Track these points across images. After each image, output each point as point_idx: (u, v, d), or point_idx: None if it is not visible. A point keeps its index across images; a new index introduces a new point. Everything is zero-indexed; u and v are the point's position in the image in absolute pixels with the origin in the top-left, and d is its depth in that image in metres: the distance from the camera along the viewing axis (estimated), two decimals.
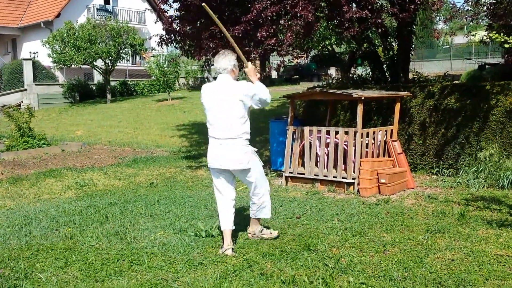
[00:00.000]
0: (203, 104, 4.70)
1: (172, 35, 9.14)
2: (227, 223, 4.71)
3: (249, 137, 4.64)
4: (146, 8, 26.35)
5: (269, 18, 7.48)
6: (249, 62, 4.79)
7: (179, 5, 8.91)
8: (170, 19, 9.21)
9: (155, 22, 11.46)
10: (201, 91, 4.77)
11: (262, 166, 4.88)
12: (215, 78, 4.94)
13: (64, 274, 4.15)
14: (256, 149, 4.80)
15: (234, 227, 4.76)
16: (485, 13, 8.41)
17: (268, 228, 5.17)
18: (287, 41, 7.56)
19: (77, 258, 4.48)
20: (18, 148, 12.24)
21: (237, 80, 4.74)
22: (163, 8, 9.93)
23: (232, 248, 4.58)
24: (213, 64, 4.92)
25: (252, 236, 4.94)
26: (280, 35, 7.93)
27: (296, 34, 7.62)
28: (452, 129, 7.84)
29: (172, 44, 9.53)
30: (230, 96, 4.52)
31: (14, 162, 10.93)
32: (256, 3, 7.44)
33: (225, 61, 4.64)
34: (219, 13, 8.42)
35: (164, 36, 9.22)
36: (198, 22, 8.81)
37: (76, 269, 4.25)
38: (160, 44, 9.26)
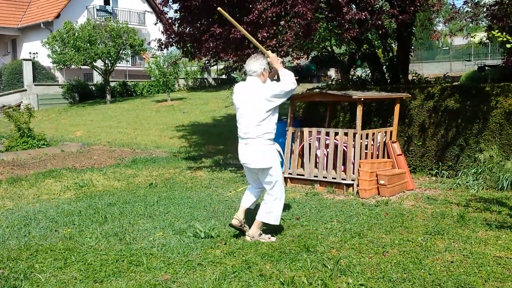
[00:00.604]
0: (234, 103, 5.00)
1: (171, 38, 9.14)
2: (243, 200, 5.17)
3: (272, 136, 4.82)
4: (145, 11, 26.38)
5: (270, 19, 7.48)
6: (269, 51, 5.04)
7: (179, 5, 8.91)
8: (170, 21, 9.21)
9: (155, 24, 11.47)
10: (233, 89, 5.08)
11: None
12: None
13: (63, 274, 4.15)
14: (280, 149, 4.98)
15: (250, 207, 5.15)
16: (485, 14, 8.41)
17: (265, 233, 5.11)
18: (287, 42, 7.56)
19: (76, 259, 4.47)
20: (18, 148, 12.24)
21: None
22: (163, 10, 9.93)
23: (239, 221, 4.95)
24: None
25: (251, 239, 4.93)
26: (280, 36, 7.93)
27: (296, 34, 7.61)
28: (451, 131, 7.84)
29: (171, 46, 9.54)
30: (253, 97, 4.73)
31: (14, 162, 10.92)
32: (257, 3, 7.44)
33: (256, 64, 4.83)
34: (219, 14, 8.42)
35: (163, 40, 9.23)
36: (199, 23, 8.81)
37: (75, 269, 4.24)
38: (160, 48, 9.28)
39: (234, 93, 4.98)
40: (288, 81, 4.73)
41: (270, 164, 4.81)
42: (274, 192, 4.91)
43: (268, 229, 5.27)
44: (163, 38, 9.35)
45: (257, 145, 4.78)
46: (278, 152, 4.93)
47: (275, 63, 4.93)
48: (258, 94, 4.71)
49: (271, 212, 4.92)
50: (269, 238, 4.97)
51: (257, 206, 5.22)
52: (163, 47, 9.23)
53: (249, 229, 5.00)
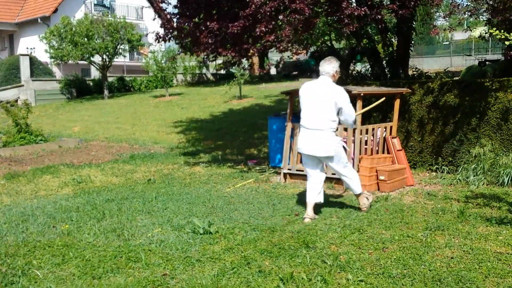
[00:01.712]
0: (301, 97, 5.64)
1: (170, 32, 9.08)
2: (308, 196, 5.64)
3: (336, 127, 5.57)
4: (143, 6, 26.28)
5: (268, 13, 7.43)
6: None
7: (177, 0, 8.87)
8: (169, 16, 9.14)
9: (154, 19, 11.37)
10: (301, 87, 5.74)
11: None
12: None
13: (61, 271, 4.12)
14: (344, 139, 5.73)
15: (321, 201, 5.69)
16: (485, 8, 8.36)
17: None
18: (286, 37, 7.51)
19: (74, 255, 4.44)
20: (15, 144, 12.20)
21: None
22: (162, 6, 9.88)
23: (311, 218, 5.42)
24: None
25: (366, 208, 5.73)
26: (279, 31, 7.88)
27: (295, 29, 7.57)
28: (451, 126, 7.81)
29: (169, 41, 9.49)
30: (327, 95, 5.41)
31: (11, 158, 10.88)
32: None
33: (329, 66, 5.55)
34: (217, 8, 8.36)
35: (160, 34, 9.17)
36: (197, 18, 8.76)
37: (73, 266, 4.22)
38: (157, 40, 9.21)
39: (302, 89, 5.67)
40: (352, 116, 5.55)
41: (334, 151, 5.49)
42: (347, 171, 5.70)
43: (266, 226, 5.25)
44: (161, 31, 9.29)
45: (326, 135, 5.43)
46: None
47: None
48: (330, 96, 5.41)
49: (356, 184, 5.72)
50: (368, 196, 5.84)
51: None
52: (160, 39, 9.16)
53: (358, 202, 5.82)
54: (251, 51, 8.10)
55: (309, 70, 28.01)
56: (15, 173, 8.96)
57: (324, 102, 5.41)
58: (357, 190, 5.73)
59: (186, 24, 8.83)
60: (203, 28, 8.09)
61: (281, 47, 7.79)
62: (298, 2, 7.13)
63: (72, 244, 4.79)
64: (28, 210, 6.22)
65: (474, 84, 7.81)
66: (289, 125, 7.87)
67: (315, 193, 5.62)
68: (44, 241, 4.89)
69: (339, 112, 5.46)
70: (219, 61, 8.81)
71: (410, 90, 8.21)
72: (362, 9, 7.66)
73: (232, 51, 8.04)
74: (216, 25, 7.80)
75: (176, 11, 9.24)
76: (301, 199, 6.47)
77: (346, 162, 5.71)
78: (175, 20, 9.20)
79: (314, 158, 5.60)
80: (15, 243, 4.87)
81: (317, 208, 5.97)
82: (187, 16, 8.76)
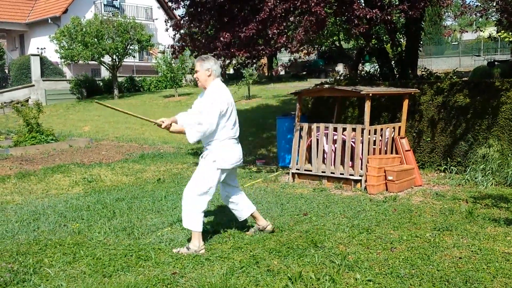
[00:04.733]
0: (228, 106, 4.59)
1: (184, 43, 9.10)
2: (247, 209, 5.05)
3: None
4: (154, 18, 26.27)
5: (279, 15, 7.45)
6: (159, 120, 4.81)
7: (188, 2, 8.89)
8: (179, 23, 9.11)
9: (166, 30, 10.91)
10: (226, 94, 4.67)
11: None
12: (221, 75, 4.95)
13: (72, 269, 4.18)
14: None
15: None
16: (495, 8, 8.33)
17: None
18: (297, 38, 7.52)
19: (85, 253, 4.50)
20: (26, 143, 12.30)
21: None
22: (172, 7, 9.90)
23: (263, 226, 4.98)
24: (226, 65, 4.96)
25: (254, 231, 5.02)
26: (290, 32, 7.89)
27: (306, 30, 7.57)
28: (460, 126, 7.79)
29: (184, 51, 9.54)
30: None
31: (22, 157, 10.98)
32: (267, 1, 7.39)
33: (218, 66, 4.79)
34: (230, 13, 8.35)
35: (176, 46, 9.22)
36: (209, 25, 8.77)
37: (84, 264, 4.27)
38: (173, 54, 9.30)
39: (228, 94, 4.72)
40: (206, 124, 4.53)
41: None
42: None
43: (275, 225, 5.28)
44: (175, 43, 9.34)
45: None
46: None
47: (171, 128, 4.75)
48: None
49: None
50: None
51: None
52: (177, 52, 9.23)
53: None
54: (264, 52, 8.10)
55: (318, 70, 28.00)
56: (26, 172, 9.06)
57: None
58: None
59: (197, 28, 8.84)
60: (217, 42, 8.05)
61: (293, 48, 7.79)
62: (313, 4, 7.11)
63: (83, 242, 4.85)
64: (40, 209, 6.29)
65: (483, 84, 7.79)
66: (297, 125, 7.89)
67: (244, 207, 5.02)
68: (55, 240, 4.95)
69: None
70: (228, 60, 8.80)
71: (419, 91, 8.20)
72: (374, 11, 7.65)
73: (245, 52, 8.02)
74: (230, 36, 7.80)
75: (185, 15, 9.27)
76: (310, 199, 6.50)
77: None
78: (186, 26, 9.21)
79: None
80: (26, 242, 4.94)
81: (326, 208, 5.99)
82: (198, 20, 8.76)
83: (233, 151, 4.66)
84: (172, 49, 9.29)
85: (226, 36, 7.77)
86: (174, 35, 9.34)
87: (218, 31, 8.19)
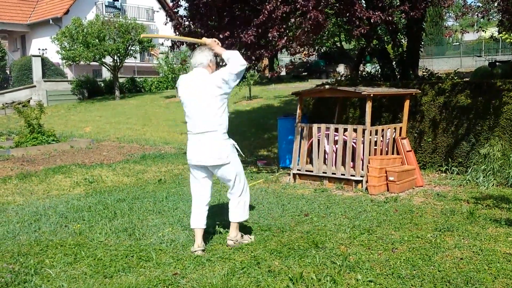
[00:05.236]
0: (180, 98, 4.56)
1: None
2: (197, 222, 4.64)
3: (226, 130, 4.55)
4: (153, 8, 26.40)
5: (279, 17, 7.44)
6: (205, 38, 4.71)
7: (188, 4, 8.89)
8: (180, 20, 9.13)
9: (165, 24, 11.17)
10: (176, 84, 4.62)
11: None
12: None
13: (73, 269, 4.18)
14: (235, 143, 4.68)
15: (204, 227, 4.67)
16: (496, 9, 8.34)
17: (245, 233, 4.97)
18: (298, 42, 7.53)
19: (86, 254, 4.50)
20: (27, 144, 12.31)
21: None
22: (173, 6, 9.90)
23: (203, 250, 4.50)
24: (223, 65, 4.82)
25: (234, 243, 4.64)
26: (291, 33, 7.89)
27: (306, 32, 7.57)
28: (462, 127, 7.79)
29: (183, 46, 9.54)
30: (204, 88, 4.39)
31: (24, 158, 11.00)
32: (266, 3, 7.39)
33: (201, 55, 4.51)
34: (229, 13, 8.35)
35: (174, 40, 9.22)
36: (208, 25, 8.77)
37: (85, 265, 4.27)
38: (172, 48, 9.30)
39: (179, 86, 4.56)
40: (236, 63, 4.37)
41: (229, 159, 4.50)
42: (237, 189, 4.65)
43: (276, 226, 5.28)
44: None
45: (213, 140, 4.44)
46: (234, 146, 4.65)
47: (215, 46, 4.56)
48: (209, 84, 4.38)
49: (243, 209, 4.72)
50: (250, 238, 4.80)
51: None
52: (176, 47, 9.24)
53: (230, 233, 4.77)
54: (265, 54, 8.09)
55: (319, 71, 28.03)
56: (27, 173, 9.06)
57: (206, 98, 4.39)
58: (240, 217, 4.72)
59: (197, 24, 8.84)
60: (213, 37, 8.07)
61: (292, 50, 7.79)
62: (311, 7, 7.10)
63: (84, 243, 4.85)
64: (41, 210, 6.30)
65: (484, 84, 7.79)
66: (299, 126, 7.89)
67: (199, 217, 4.65)
68: (57, 240, 4.95)
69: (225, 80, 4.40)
70: None
71: (420, 91, 8.19)
72: (376, 13, 7.64)
73: (245, 59, 8.01)
74: (227, 33, 7.80)
75: (186, 13, 9.27)
76: (311, 199, 6.50)
77: (237, 176, 4.62)
78: (186, 23, 9.22)
79: (202, 169, 4.61)
80: (27, 242, 4.94)
81: (327, 209, 5.99)
82: (198, 19, 8.76)
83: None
84: (171, 43, 9.29)
85: (225, 34, 7.76)
86: (174, 31, 9.34)
87: (218, 31, 8.19)
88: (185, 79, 4.58)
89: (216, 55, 4.64)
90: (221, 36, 7.78)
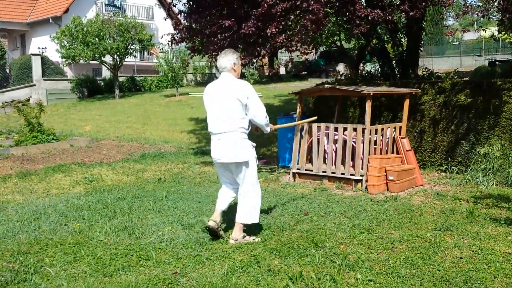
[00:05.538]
0: (204, 102, 4.85)
1: (183, 34, 9.08)
2: (219, 203, 4.98)
3: (247, 131, 4.80)
4: (155, 3, 26.40)
5: (279, 14, 7.44)
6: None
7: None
8: (179, 15, 9.16)
9: (165, 19, 11.36)
10: (203, 92, 4.91)
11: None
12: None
13: (73, 268, 4.18)
14: (254, 144, 4.92)
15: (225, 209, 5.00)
16: (497, 8, 8.34)
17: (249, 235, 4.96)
18: (296, 37, 7.52)
19: (85, 253, 4.50)
20: (27, 143, 12.31)
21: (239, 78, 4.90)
22: (172, 1, 9.89)
23: (214, 221, 4.76)
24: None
25: (235, 242, 4.70)
26: (289, 31, 7.89)
27: (306, 30, 7.57)
28: (462, 126, 7.79)
29: (183, 42, 9.50)
30: (231, 92, 4.64)
31: (23, 157, 10.99)
32: None
33: (225, 60, 4.76)
34: (229, 6, 8.35)
35: (175, 36, 9.20)
36: (207, 17, 8.77)
37: (84, 263, 4.27)
38: (171, 43, 9.27)
39: (205, 94, 4.84)
40: (261, 122, 4.83)
41: (246, 157, 4.75)
42: (245, 188, 4.78)
43: (275, 225, 5.28)
44: (175, 33, 9.32)
45: (230, 139, 4.69)
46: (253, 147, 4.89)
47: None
48: (234, 89, 4.64)
49: (251, 211, 4.78)
50: (253, 239, 4.81)
51: (232, 207, 5.11)
52: (175, 42, 9.21)
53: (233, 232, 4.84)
54: (263, 52, 8.09)
55: (319, 70, 28.01)
56: (27, 172, 9.06)
57: (228, 101, 4.65)
58: (250, 219, 4.80)
59: (196, 18, 8.83)
60: (214, 26, 8.06)
61: (291, 47, 7.79)
62: (312, 1, 7.11)
63: (83, 242, 4.85)
64: (40, 209, 6.30)
65: (484, 84, 7.79)
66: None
67: (220, 200, 4.98)
68: (56, 239, 4.96)
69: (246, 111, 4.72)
70: None
71: (420, 91, 8.20)
72: (375, 11, 7.63)
73: (244, 57, 8.00)
74: (228, 22, 7.79)
75: (185, 8, 9.25)
76: (311, 198, 6.50)
77: (252, 177, 4.81)
78: (184, 16, 9.20)
79: (223, 167, 4.91)
80: (27, 241, 4.94)
81: (326, 208, 5.99)
82: (198, 12, 8.74)
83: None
84: (171, 37, 9.26)
85: (225, 22, 7.75)
86: (175, 28, 9.32)
87: (217, 18, 8.16)
88: (212, 86, 4.86)
89: (240, 58, 4.93)
90: (221, 22, 7.78)
